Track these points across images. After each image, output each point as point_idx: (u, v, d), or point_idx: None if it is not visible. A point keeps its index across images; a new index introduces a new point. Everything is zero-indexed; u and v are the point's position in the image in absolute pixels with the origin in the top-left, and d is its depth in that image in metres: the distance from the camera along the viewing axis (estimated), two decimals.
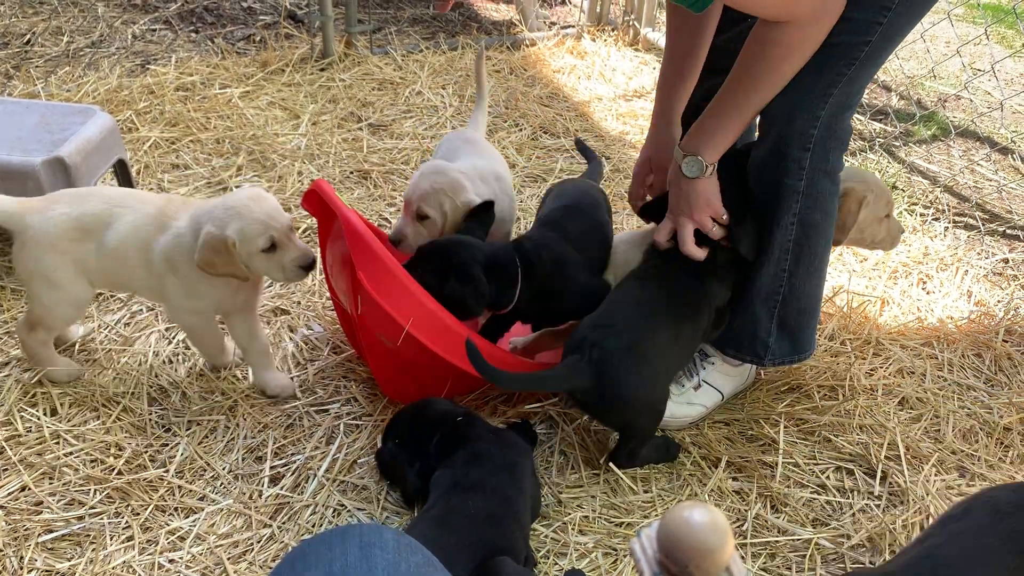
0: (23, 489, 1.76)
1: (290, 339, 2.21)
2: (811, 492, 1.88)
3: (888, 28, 1.66)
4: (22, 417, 1.92)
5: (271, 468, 1.84)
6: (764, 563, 1.72)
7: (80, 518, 1.71)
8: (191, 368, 2.12)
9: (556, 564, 1.67)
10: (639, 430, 1.84)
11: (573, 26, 4.32)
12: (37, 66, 3.56)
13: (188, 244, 1.85)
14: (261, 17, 4.20)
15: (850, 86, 1.73)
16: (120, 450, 1.86)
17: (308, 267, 1.90)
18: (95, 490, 1.77)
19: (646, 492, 1.85)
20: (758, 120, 1.83)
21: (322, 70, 3.66)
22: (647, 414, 1.83)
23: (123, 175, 2.64)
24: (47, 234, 1.88)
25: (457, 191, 2.06)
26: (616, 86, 3.83)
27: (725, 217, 1.83)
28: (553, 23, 4.42)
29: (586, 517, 1.78)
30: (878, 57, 1.73)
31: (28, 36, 3.80)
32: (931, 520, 1.79)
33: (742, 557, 1.63)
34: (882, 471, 1.93)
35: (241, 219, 1.82)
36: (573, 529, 1.75)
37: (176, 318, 2.06)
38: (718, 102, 1.75)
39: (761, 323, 1.96)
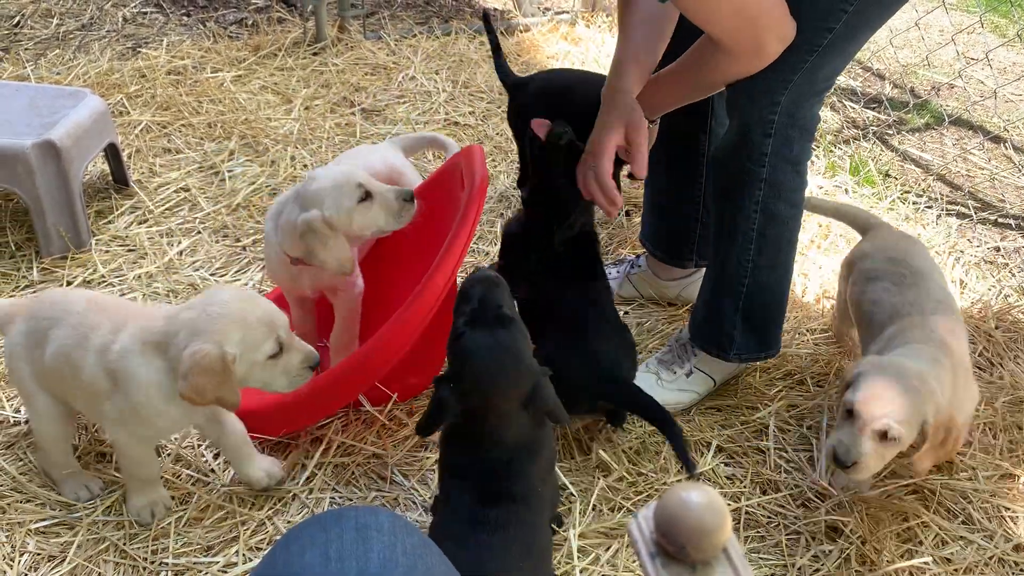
0: (13, 478, 1.75)
1: None
2: (802, 477, 1.89)
3: (855, 17, 1.62)
4: (11, 404, 1.91)
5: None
6: (754, 545, 1.73)
7: (71, 504, 1.71)
8: None
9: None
10: None
11: (567, 12, 4.29)
12: (26, 48, 3.52)
13: (142, 366, 1.49)
14: (253, 1, 4.16)
15: (813, 73, 1.69)
16: None
17: (315, 365, 1.57)
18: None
19: (639, 474, 1.86)
20: (725, 104, 1.84)
21: (315, 54, 3.64)
22: None
23: (114, 159, 2.63)
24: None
25: None
26: None
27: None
28: (547, 9, 4.39)
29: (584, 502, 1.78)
30: (845, 47, 1.70)
31: (17, 18, 3.76)
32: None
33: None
34: None
35: (243, 327, 1.46)
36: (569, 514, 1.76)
37: (111, 434, 1.62)
38: (667, 82, 1.80)
39: (726, 316, 1.95)
